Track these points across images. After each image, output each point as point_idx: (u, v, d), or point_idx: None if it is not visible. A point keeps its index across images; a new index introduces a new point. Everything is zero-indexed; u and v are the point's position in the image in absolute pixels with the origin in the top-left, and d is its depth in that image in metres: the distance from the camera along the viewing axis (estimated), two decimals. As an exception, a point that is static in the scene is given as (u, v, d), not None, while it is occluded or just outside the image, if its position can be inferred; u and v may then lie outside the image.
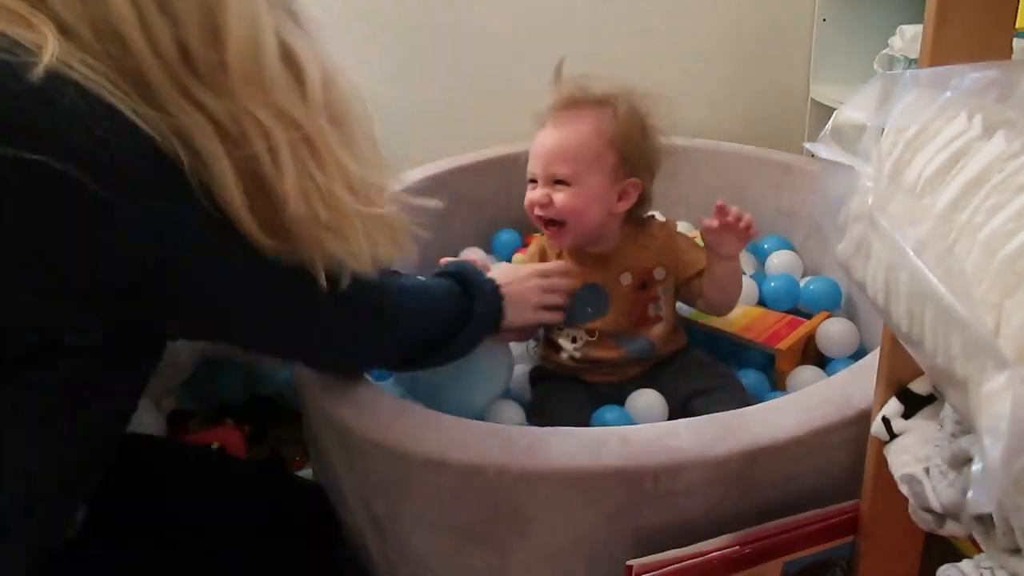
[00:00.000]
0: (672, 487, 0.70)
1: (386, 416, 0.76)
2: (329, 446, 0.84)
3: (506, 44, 1.61)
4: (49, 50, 0.48)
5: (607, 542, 0.74)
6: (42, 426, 0.56)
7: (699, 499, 0.71)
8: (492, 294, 0.88)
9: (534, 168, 0.99)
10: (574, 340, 1.02)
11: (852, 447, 0.73)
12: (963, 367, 0.39)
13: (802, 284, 1.20)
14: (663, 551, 0.70)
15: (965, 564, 0.52)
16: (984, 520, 0.46)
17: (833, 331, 1.08)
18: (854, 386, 0.76)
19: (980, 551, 0.50)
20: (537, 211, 0.98)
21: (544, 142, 0.99)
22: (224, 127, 0.55)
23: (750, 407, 0.77)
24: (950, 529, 0.54)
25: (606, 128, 0.97)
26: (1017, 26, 0.52)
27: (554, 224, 0.98)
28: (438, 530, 0.77)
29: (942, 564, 0.54)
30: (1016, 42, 0.54)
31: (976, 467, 0.34)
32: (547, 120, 1.01)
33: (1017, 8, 0.51)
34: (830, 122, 0.53)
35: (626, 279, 1.01)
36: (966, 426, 0.50)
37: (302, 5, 0.62)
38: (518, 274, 0.95)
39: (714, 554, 0.69)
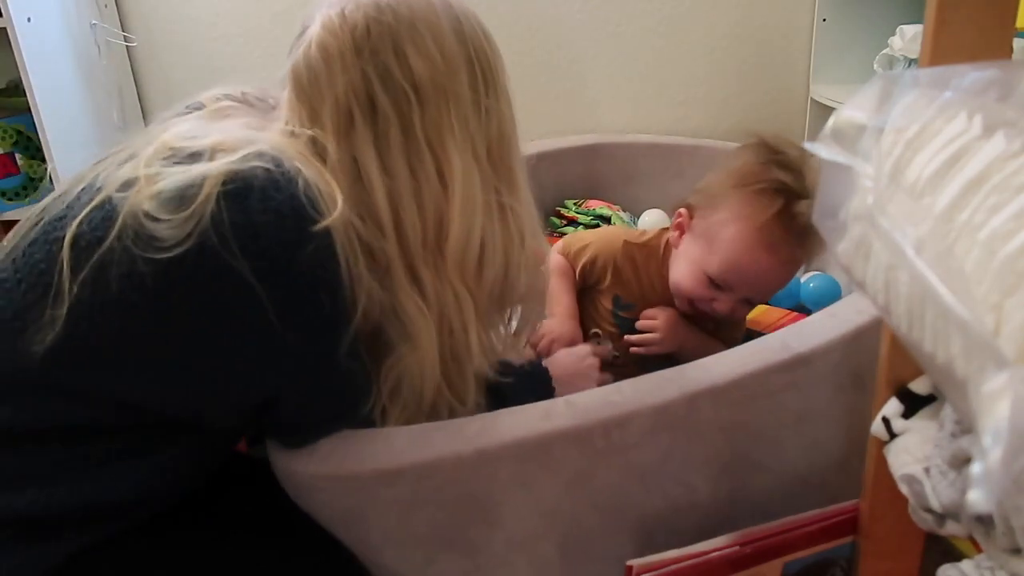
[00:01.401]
0: (622, 440, 0.71)
1: (325, 446, 0.72)
2: (286, 487, 0.78)
3: (505, 45, 1.61)
4: (338, 210, 0.63)
5: (572, 513, 0.74)
6: (150, 473, 0.68)
7: (649, 450, 0.72)
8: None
9: (737, 286, 0.93)
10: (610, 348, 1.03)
11: (798, 395, 0.75)
12: (963, 367, 0.39)
13: (803, 280, 1.20)
14: (626, 515, 0.71)
15: (965, 564, 0.52)
16: (984, 520, 0.46)
17: None
18: (793, 336, 0.77)
19: (980, 551, 0.50)
20: (704, 307, 0.96)
21: (768, 277, 0.93)
22: (430, 300, 0.71)
23: (692, 362, 0.78)
24: (950, 529, 0.54)
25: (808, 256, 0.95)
26: (1017, 26, 0.52)
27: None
28: (406, 544, 0.76)
29: (942, 564, 0.54)
30: (1016, 42, 0.54)
31: (976, 467, 0.34)
32: (778, 247, 0.90)
33: (1017, 8, 0.51)
34: (830, 122, 0.53)
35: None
36: (966, 426, 0.50)
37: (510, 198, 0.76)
38: (579, 367, 0.95)
39: (714, 554, 0.69)
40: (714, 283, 0.94)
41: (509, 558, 0.76)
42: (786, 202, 0.89)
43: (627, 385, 0.74)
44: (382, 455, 0.71)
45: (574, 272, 1.05)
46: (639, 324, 0.99)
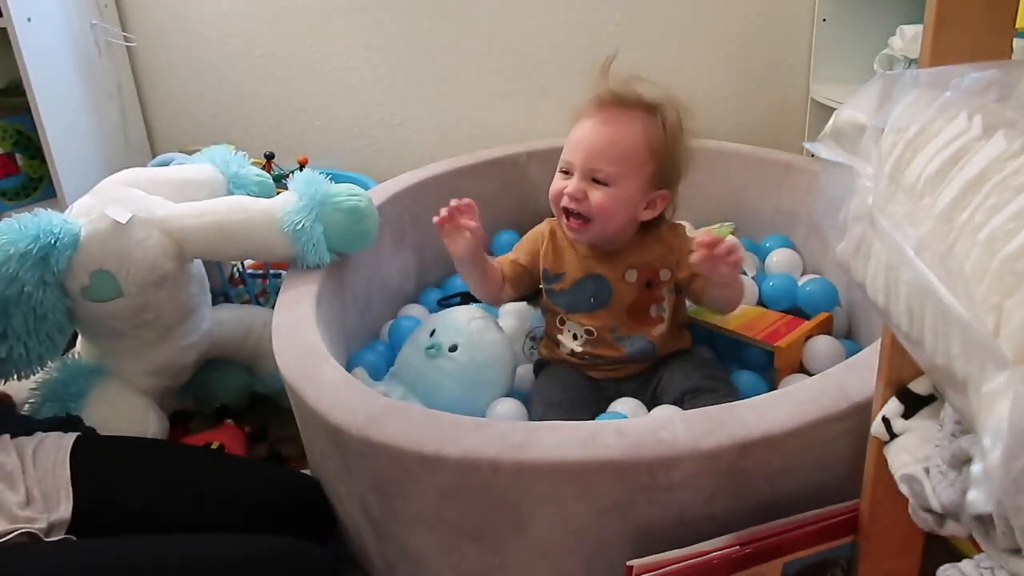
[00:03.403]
0: (667, 480, 0.70)
1: (380, 415, 0.76)
2: (324, 447, 0.84)
3: (505, 46, 1.61)
4: None
5: (603, 537, 0.74)
6: None
7: (693, 492, 0.71)
8: None
9: (572, 158, 0.97)
10: (576, 337, 1.03)
11: (850, 441, 0.73)
12: (963, 367, 0.39)
13: (800, 284, 1.20)
14: (659, 546, 0.70)
15: (965, 564, 0.52)
16: (984, 520, 0.46)
17: (818, 349, 1.07)
18: (850, 380, 0.76)
19: (980, 551, 0.50)
20: (566, 202, 0.97)
21: (591, 136, 0.96)
22: None
23: (744, 400, 0.76)
24: (950, 529, 0.54)
25: (653, 137, 0.96)
26: (1017, 26, 0.52)
27: (579, 218, 0.97)
28: (435, 528, 0.77)
29: (942, 564, 0.54)
30: (1016, 42, 0.54)
31: (976, 467, 0.34)
32: (593, 113, 0.98)
33: (1017, 8, 0.51)
34: (830, 122, 0.53)
35: (631, 276, 1.01)
36: (966, 426, 0.50)
37: None
38: None
39: (714, 554, 0.69)
40: (563, 171, 0.99)
41: (532, 563, 0.77)
42: (596, 93, 0.99)
43: (678, 423, 0.72)
44: (428, 439, 0.73)
45: (502, 269, 1.06)
46: (706, 240, 0.90)
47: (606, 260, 1.01)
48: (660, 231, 1.03)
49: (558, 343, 1.05)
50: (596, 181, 0.95)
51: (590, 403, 0.98)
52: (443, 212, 0.99)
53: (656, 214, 1.00)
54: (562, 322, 1.04)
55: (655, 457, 0.69)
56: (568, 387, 1.00)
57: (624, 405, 0.96)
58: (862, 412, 0.71)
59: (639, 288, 1.01)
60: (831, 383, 0.76)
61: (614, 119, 0.96)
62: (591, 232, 0.98)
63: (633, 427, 0.73)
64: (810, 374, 1.05)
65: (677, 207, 1.04)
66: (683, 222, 1.44)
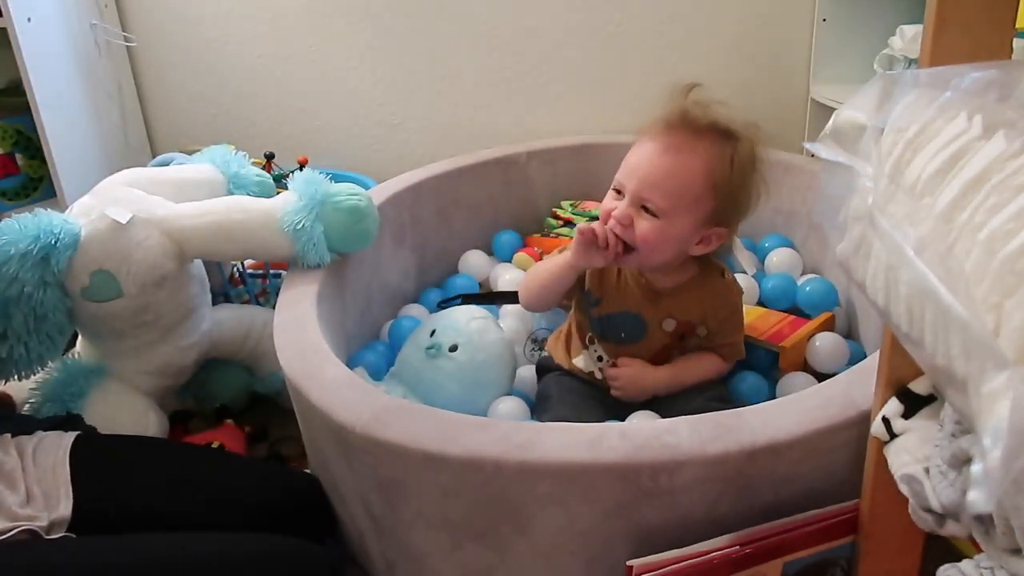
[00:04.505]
0: (671, 484, 0.70)
1: (384, 414, 0.76)
2: (327, 446, 0.84)
3: (506, 46, 1.61)
4: None
5: (606, 539, 0.74)
6: None
7: (697, 497, 0.71)
8: None
9: (627, 181, 0.91)
10: (600, 359, 1.01)
11: (855, 448, 0.73)
12: (963, 367, 0.39)
13: (800, 283, 1.20)
14: (661, 547, 0.70)
15: (965, 564, 0.52)
16: (984, 520, 0.46)
17: (823, 346, 1.06)
18: (856, 387, 0.75)
19: (980, 551, 0.50)
20: (612, 225, 0.92)
21: (647, 162, 0.91)
22: None
23: (751, 406, 0.76)
24: (950, 529, 0.54)
25: (717, 171, 0.90)
26: (1017, 26, 0.52)
27: (622, 244, 0.92)
28: (437, 527, 0.77)
29: (942, 564, 0.54)
30: (1016, 42, 0.54)
31: (976, 467, 0.34)
32: (657, 136, 0.92)
33: (1017, 8, 0.51)
34: (830, 122, 0.53)
35: (669, 325, 0.98)
36: (966, 426, 0.50)
37: None
38: None
39: (714, 554, 0.69)
40: (616, 190, 0.94)
41: (534, 563, 0.77)
42: (667, 112, 0.93)
43: (685, 427, 0.72)
44: (432, 438, 0.73)
45: None
46: (607, 372, 0.99)
47: (650, 301, 0.98)
48: (717, 285, 0.99)
49: (574, 355, 1.03)
50: (646, 210, 0.90)
51: (598, 408, 0.97)
52: (598, 228, 0.92)
53: (709, 250, 0.95)
54: (591, 341, 1.02)
55: (658, 461, 0.69)
56: (576, 391, 0.99)
57: (639, 419, 0.94)
58: (868, 421, 0.70)
59: (673, 337, 0.99)
60: (838, 390, 0.76)
61: (676, 148, 0.90)
62: (633, 261, 0.93)
63: (638, 430, 0.73)
64: (814, 372, 1.06)
65: (733, 245, 0.99)
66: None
